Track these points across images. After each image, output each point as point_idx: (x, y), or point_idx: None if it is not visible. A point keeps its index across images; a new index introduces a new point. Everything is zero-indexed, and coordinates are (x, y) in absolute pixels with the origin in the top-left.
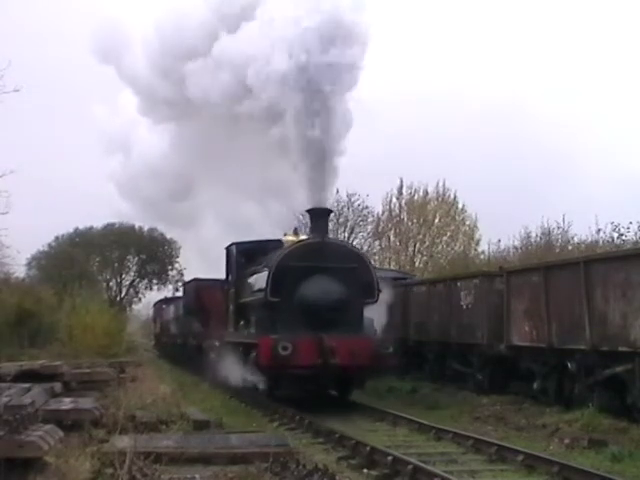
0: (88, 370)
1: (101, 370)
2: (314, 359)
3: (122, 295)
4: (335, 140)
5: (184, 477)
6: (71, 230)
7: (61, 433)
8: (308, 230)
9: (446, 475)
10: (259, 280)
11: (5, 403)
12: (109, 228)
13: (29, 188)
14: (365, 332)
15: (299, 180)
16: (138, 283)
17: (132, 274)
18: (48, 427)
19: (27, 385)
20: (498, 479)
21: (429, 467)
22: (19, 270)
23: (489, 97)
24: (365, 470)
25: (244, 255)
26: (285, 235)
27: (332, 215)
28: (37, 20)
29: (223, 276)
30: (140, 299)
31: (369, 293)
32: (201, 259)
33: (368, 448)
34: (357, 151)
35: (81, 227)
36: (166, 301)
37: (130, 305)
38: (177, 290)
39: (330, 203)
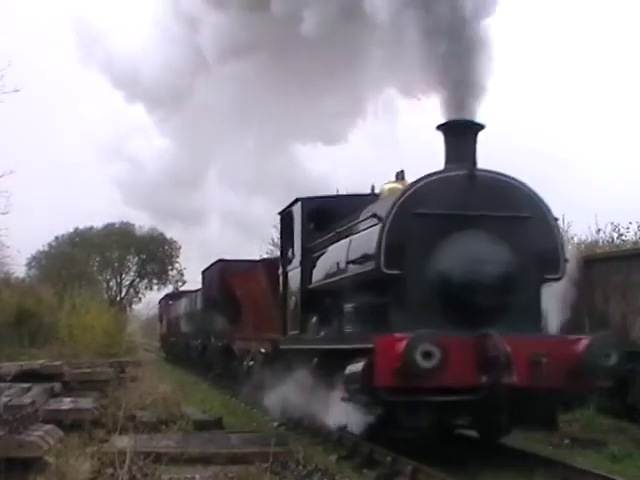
0: (88, 370)
1: (101, 370)
2: (476, 376)
3: (122, 295)
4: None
5: (184, 477)
6: (71, 230)
7: (61, 433)
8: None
9: (446, 475)
10: (358, 244)
11: (5, 403)
12: (109, 228)
13: (29, 188)
14: (545, 328)
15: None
16: (138, 283)
17: (132, 274)
18: (48, 427)
19: (27, 385)
20: (498, 479)
21: (429, 467)
22: (19, 270)
23: (489, 97)
24: (365, 470)
25: (315, 217)
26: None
27: None
28: (38, 20)
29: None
30: (140, 299)
31: (551, 263)
32: (206, 258)
33: (368, 448)
34: (358, 149)
35: (81, 227)
36: (174, 296)
37: (130, 305)
38: (177, 290)
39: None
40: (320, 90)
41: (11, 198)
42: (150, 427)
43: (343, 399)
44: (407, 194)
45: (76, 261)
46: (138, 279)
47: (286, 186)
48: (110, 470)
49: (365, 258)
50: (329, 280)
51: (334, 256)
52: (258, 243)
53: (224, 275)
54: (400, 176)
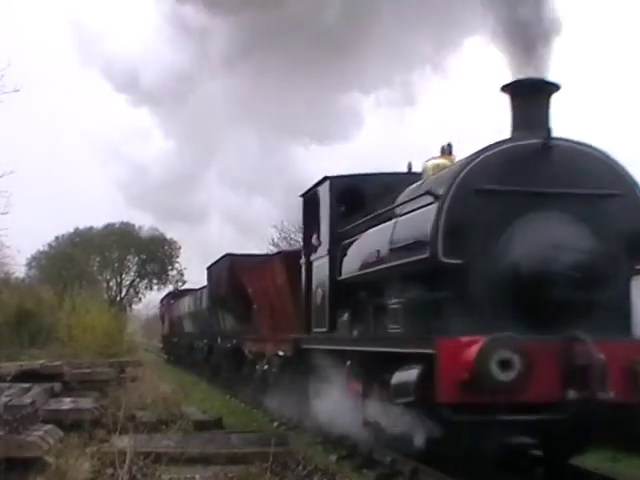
0: (88, 370)
1: (101, 370)
2: (561, 390)
3: (122, 295)
4: None
5: (184, 477)
6: (71, 230)
7: (61, 433)
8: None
9: (445, 475)
10: (406, 227)
11: (5, 403)
12: (109, 228)
13: (29, 188)
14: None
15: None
16: (138, 283)
17: (132, 274)
18: (48, 427)
19: (27, 385)
20: (498, 479)
21: (429, 467)
22: (19, 270)
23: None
24: (365, 470)
25: (346, 199)
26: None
27: None
28: (38, 20)
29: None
30: (140, 299)
31: None
32: (206, 258)
33: (368, 448)
34: (360, 150)
35: (81, 227)
36: (177, 294)
37: (130, 305)
38: (177, 289)
39: None
40: (322, 91)
41: (11, 198)
42: (150, 427)
43: (394, 415)
44: (470, 167)
45: (76, 261)
46: (138, 279)
47: (286, 187)
48: (110, 470)
49: (417, 244)
50: (365, 271)
51: (372, 242)
52: (257, 243)
53: (233, 270)
54: (447, 150)
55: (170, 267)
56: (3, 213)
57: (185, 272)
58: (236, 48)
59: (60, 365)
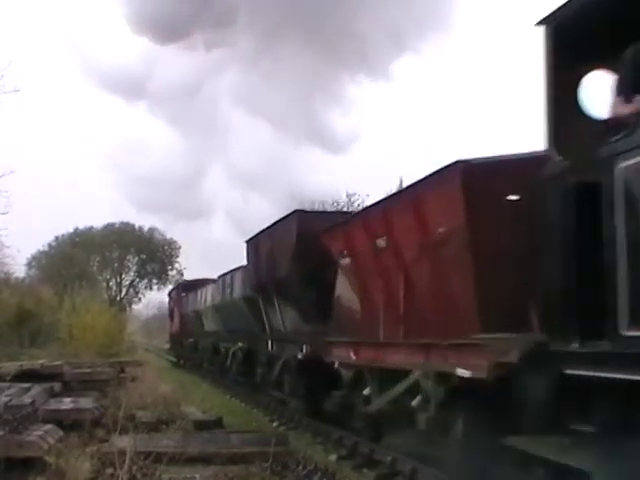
0: (88, 370)
1: (101, 370)
2: None
3: (122, 295)
4: None
5: (184, 477)
6: (71, 230)
7: (61, 433)
8: None
9: (444, 475)
10: None
11: (5, 403)
12: (109, 228)
13: (29, 188)
14: None
15: None
16: (138, 283)
17: (132, 274)
18: (48, 427)
19: (27, 385)
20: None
21: (429, 467)
22: (19, 270)
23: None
24: (365, 470)
25: None
26: None
27: None
28: (38, 20)
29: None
30: (140, 299)
31: None
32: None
33: (368, 448)
34: (359, 151)
35: (81, 227)
36: (190, 286)
37: (130, 305)
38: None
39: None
40: (327, 97)
41: (11, 198)
42: (150, 427)
43: None
44: None
45: (76, 261)
46: (138, 279)
47: (285, 188)
48: (110, 470)
49: None
50: None
51: None
52: None
53: (307, 234)
54: None
55: (170, 267)
56: (3, 213)
57: (185, 272)
58: (250, 49)
59: (60, 365)
